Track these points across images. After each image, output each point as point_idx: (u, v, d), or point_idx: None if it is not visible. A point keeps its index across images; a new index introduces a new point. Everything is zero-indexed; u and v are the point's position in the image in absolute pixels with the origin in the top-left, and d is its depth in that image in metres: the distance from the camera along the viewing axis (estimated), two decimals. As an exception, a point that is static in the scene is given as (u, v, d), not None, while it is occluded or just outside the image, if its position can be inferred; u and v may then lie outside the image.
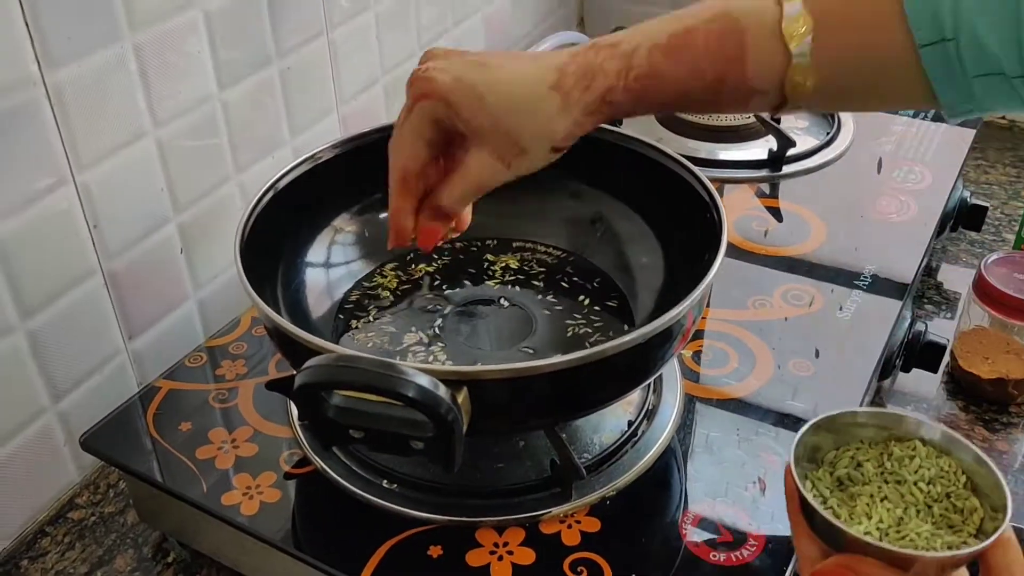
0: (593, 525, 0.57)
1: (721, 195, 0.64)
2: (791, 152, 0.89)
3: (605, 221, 0.70)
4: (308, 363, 0.46)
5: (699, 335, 0.71)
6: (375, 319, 0.66)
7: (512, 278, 0.70)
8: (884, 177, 0.89)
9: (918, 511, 0.46)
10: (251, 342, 0.72)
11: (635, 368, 0.54)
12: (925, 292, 0.89)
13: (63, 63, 0.61)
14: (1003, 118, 1.15)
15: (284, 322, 0.52)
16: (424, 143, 0.52)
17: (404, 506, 0.58)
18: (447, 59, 0.52)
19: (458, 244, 0.73)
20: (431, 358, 0.63)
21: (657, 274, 0.65)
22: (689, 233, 0.62)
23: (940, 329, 0.77)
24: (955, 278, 0.91)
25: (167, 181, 0.72)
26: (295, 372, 0.55)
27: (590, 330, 0.65)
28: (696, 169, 0.63)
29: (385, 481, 0.59)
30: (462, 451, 0.48)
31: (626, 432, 0.62)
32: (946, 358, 0.77)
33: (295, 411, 0.64)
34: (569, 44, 1.24)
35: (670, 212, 0.65)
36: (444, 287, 0.69)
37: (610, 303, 0.67)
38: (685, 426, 0.64)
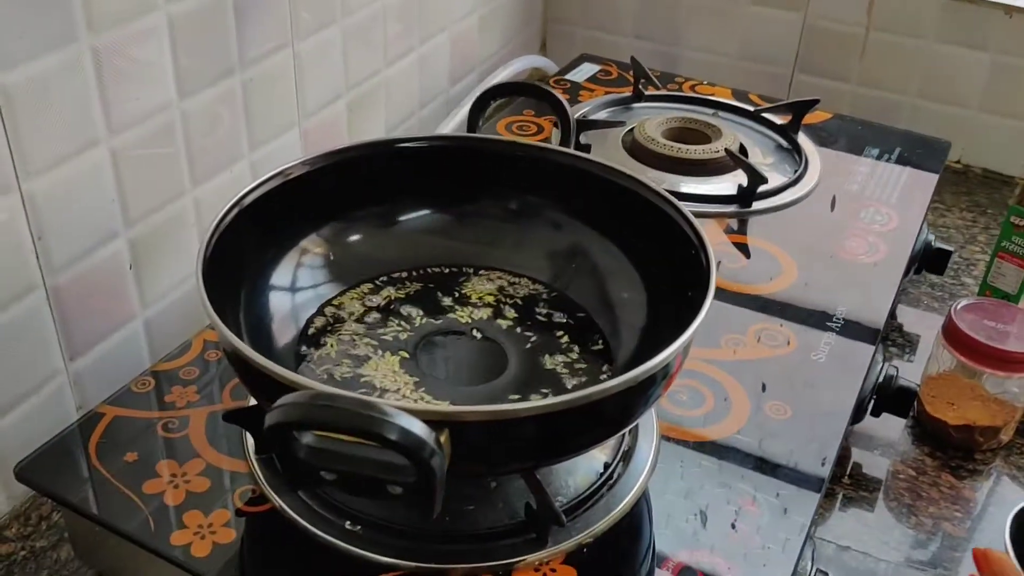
0: (568, 574, 0.54)
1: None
2: (760, 189, 0.88)
3: (585, 254, 0.67)
4: (281, 400, 0.43)
5: (674, 374, 0.69)
6: (341, 347, 0.63)
7: (487, 308, 0.67)
8: (852, 217, 0.89)
9: None
10: (203, 367, 0.67)
11: (622, 412, 0.52)
12: (888, 334, 0.89)
13: (14, 64, 0.57)
14: (958, 162, 1.17)
15: (251, 353, 0.49)
16: None
17: (368, 550, 0.54)
18: None
19: (431, 270, 0.70)
20: (403, 392, 0.60)
21: (638, 311, 0.63)
22: (672, 270, 0.61)
23: (903, 372, 0.76)
24: (917, 321, 0.91)
25: (119, 193, 0.67)
26: (255, 402, 0.51)
27: (566, 369, 0.62)
28: (681, 205, 0.61)
29: (348, 522, 0.56)
30: (443, 497, 0.45)
31: (602, 475, 0.60)
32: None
33: (251, 443, 0.60)
34: (532, 68, 1.23)
35: (653, 248, 0.63)
36: (415, 315, 0.66)
37: (588, 339, 0.65)
38: (661, 470, 0.61)
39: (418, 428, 0.43)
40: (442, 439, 0.45)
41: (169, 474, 0.59)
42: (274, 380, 0.47)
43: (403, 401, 0.58)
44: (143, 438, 0.62)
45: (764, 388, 0.68)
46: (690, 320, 0.53)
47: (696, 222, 0.60)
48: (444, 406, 0.57)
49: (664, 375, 0.52)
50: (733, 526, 0.57)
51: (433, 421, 0.45)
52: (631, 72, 1.07)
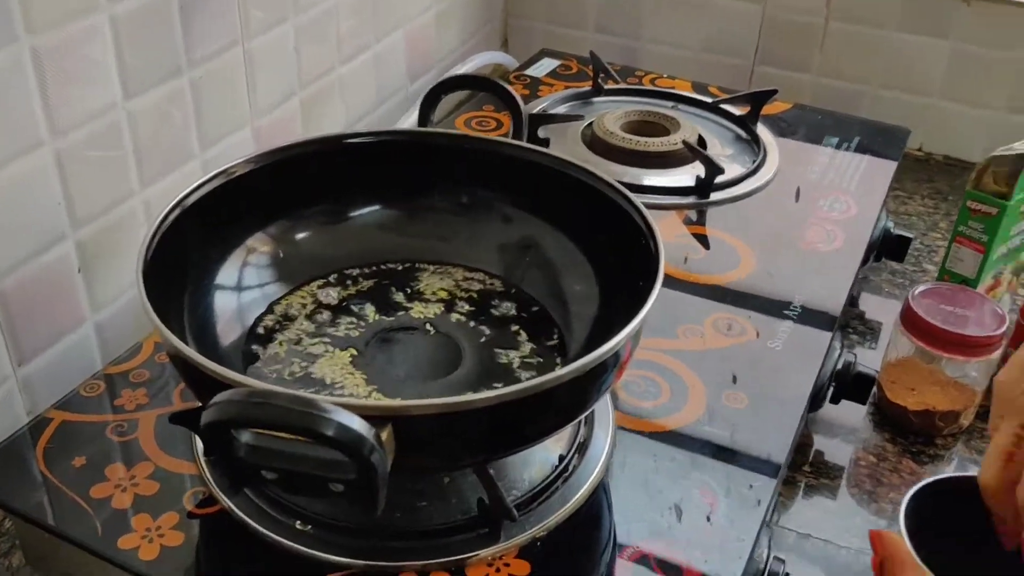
0: (523, 568, 0.54)
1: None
2: (718, 179, 0.88)
3: (538, 247, 0.67)
4: (217, 398, 0.42)
5: (631, 364, 0.68)
6: (290, 346, 0.62)
7: (439, 304, 0.66)
8: (810, 206, 0.89)
9: None
10: (154, 369, 0.67)
11: (572, 402, 0.52)
12: (849, 322, 0.89)
13: (-51, 64, 0.56)
14: (919, 149, 1.17)
15: (190, 351, 0.48)
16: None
17: (319, 549, 0.54)
18: None
19: (383, 267, 0.69)
20: (351, 390, 0.59)
21: (591, 303, 0.63)
22: (624, 261, 0.60)
23: (865, 359, 0.76)
24: (877, 308, 0.91)
25: (65, 194, 0.66)
26: (200, 404, 0.50)
27: (521, 361, 0.62)
28: (632, 196, 0.61)
29: (298, 522, 0.55)
30: (386, 493, 0.44)
31: (557, 467, 0.59)
32: (873, 389, 0.76)
33: (201, 445, 0.59)
34: (494, 64, 1.22)
35: (605, 239, 0.63)
36: (366, 312, 0.65)
37: (542, 332, 0.64)
38: (617, 460, 0.61)
39: (356, 424, 0.42)
40: (383, 435, 0.44)
41: (117, 478, 0.58)
42: (213, 379, 0.47)
43: (351, 400, 0.58)
44: (92, 442, 0.61)
45: (711, 376, 0.68)
46: (639, 308, 0.52)
47: (645, 211, 0.60)
48: (386, 401, 0.56)
49: (614, 363, 0.52)
50: (686, 516, 0.57)
51: (374, 417, 0.44)
52: (591, 67, 1.06)
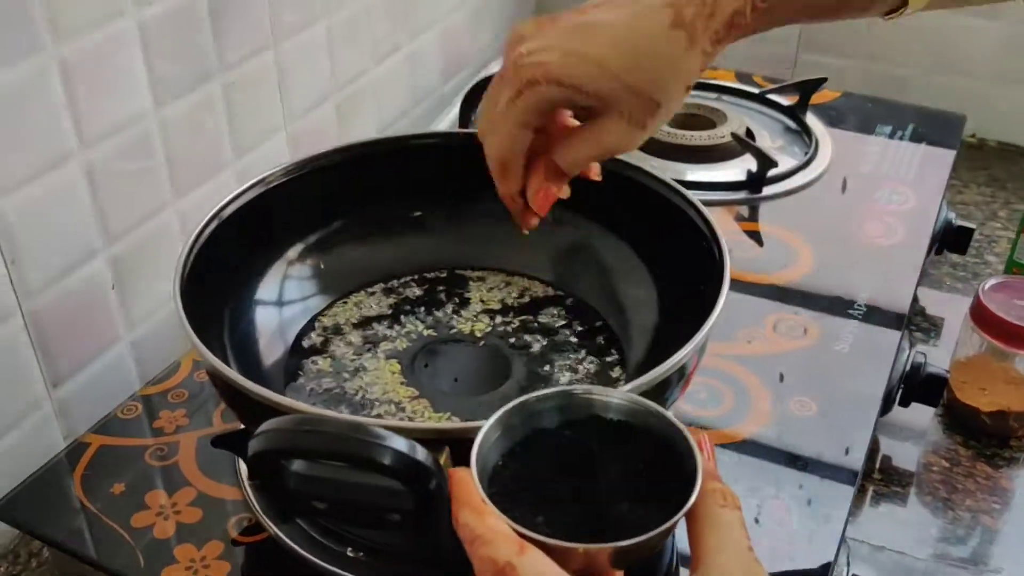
0: (587, 593, 0.51)
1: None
2: (770, 173, 0.85)
3: (590, 250, 0.64)
4: (265, 426, 0.39)
5: (689, 372, 0.65)
6: (334, 361, 0.59)
7: (488, 313, 0.63)
8: (867, 199, 0.85)
9: None
10: (192, 388, 0.64)
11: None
12: (911, 319, 0.85)
13: (-27, 76, 0.54)
14: (972, 136, 1.12)
15: (232, 373, 0.45)
16: (529, 130, 0.47)
17: (372, 579, 0.51)
18: (542, 34, 0.46)
19: (428, 275, 0.66)
20: (401, 409, 0.56)
21: (649, 310, 0.59)
22: (683, 264, 0.57)
23: (931, 358, 0.72)
24: (940, 303, 0.87)
25: (96, 209, 0.64)
26: (243, 426, 0.48)
27: (576, 374, 0.58)
28: (689, 194, 0.58)
29: (350, 549, 0.52)
30: (448, 523, 0.41)
31: (619, 485, 0.56)
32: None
33: (244, 468, 0.56)
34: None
35: (661, 242, 0.60)
36: (412, 323, 0.62)
37: (597, 342, 0.61)
38: (682, 476, 0.58)
39: (414, 450, 0.39)
40: (442, 459, 0.41)
41: (158, 505, 0.56)
42: (258, 402, 0.44)
43: (401, 416, 0.55)
44: (131, 467, 0.58)
45: (782, 379, 0.64)
46: (705, 316, 0.49)
47: (706, 211, 0.56)
48: (442, 423, 0.53)
49: (680, 376, 0.49)
50: (760, 532, 0.54)
51: (431, 440, 0.41)
52: (630, 59, 1.03)
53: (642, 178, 0.60)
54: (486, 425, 0.39)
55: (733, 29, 0.44)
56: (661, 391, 0.48)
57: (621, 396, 0.40)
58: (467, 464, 0.42)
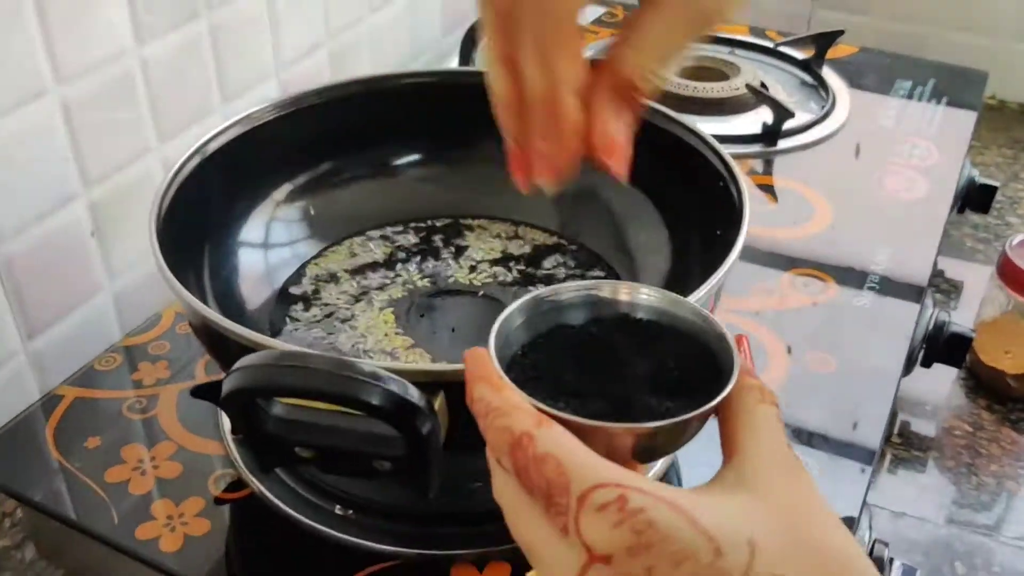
0: (592, 555, 0.47)
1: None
2: (785, 126, 0.81)
3: (597, 195, 0.60)
4: (241, 362, 0.36)
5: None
6: (325, 309, 0.56)
7: (490, 262, 0.59)
8: (887, 153, 0.81)
9: None
10: (175, 341, 0.60)
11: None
12: (931, 280, 0.81)
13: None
14: (992, 97, 1.08)
15: (208, 311, 0.42)
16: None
17: (362, 537, 0.47)
18: None
19: (426, 223, 0.62)
20: (396, 358, 0.52)
21: (660, 255, 0.56)
22: (697, 207, 0.53)
23: (955, 320, 0.68)
24: (961, 265, 0.84)
25: (74, 149, 0.60)
26: (226, 375, 0.44)
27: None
28: (705, 132, 0.54)
29: (338, 506, 0.49)
30: (440, 471, 0.38)
31: (626, 442, 0.52)
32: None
33: (227, 422, 0.53)
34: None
35: (674, 184, 0.56)
36: (408, 273, 0.59)
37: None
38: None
39: (406, 391, 0.36)
40: (436, 404, 0.38)
41: (136, 460, 0.52)
42: (238, 343, 0.40)
43: (397, 363, 0.51)
44: (108, 421, 0.55)
45: (792, 340, 0.60)
46: (720, 261, 0.45)
47: (723, 151, 0.52)
48: (438, 364, 0.49)
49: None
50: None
51: (425, 383, 0.38)
52: (638, 13, 0.99)
53: (651, 117, 0.56)
54: (509, 308, 0.35)
55: None
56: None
57: (654, 292, 0.37)
58: (467, 410, 0.38)
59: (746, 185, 0.50)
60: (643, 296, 0.37)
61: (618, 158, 0.37)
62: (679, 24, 0.34)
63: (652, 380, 0.34)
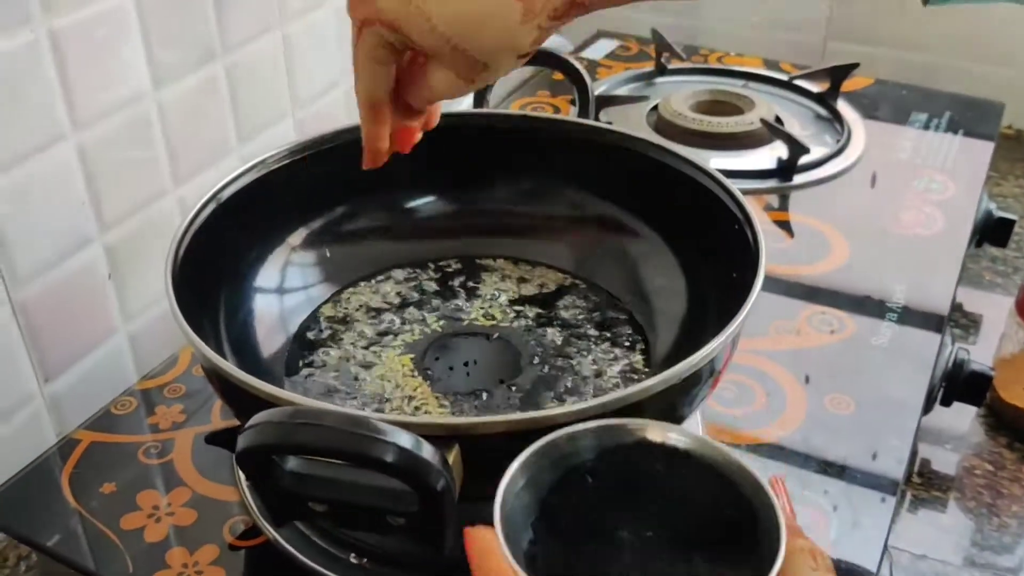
0: (608, 602, 0.47)
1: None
2: (800, 161, 0.80)
3: (612, 237, 0.60)
4: (256, 419, 0.36)
5: (718, 368, 0.61)
6: (340, 354, 0.56)
7: (505, 304, 0.59)
8: (904, 188, 0.80)
9: None
10: (191, 383, 0.60)
11: (661, 415, 0.44)
12: (950, 315, 0.80)
13: (-45, 49, 0.50)
14: (1009, 127, 1.08)
15: (224, 363, 0.42)
16: (383, 66, 0.46)
17: (377, 586, 0.47)
18: None
19: (440, 264, 0.62)
20: (408, 404, 0.52)
21: (677, 299, 0.55)
22: (714, 251, 0.53)
23: (974, 356, 0.68)
24: (980, 299, 0.83)
25: (90, 193, 0.60)
26: (240, 423, 0.44)
27: (599, 367, 0.55)
28: (719, 175, 0.54)
29: (353, 555, 0.48)
30: (455, 528, 0.38)
31: (642, 488, 0.52)
32: (987, 389, 0.68)
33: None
34: (549, 48, 1.15)
35: (690, 227, 0.56)
36: (424, 315, 0.59)
37: (621, 334, 0.57)
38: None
39: (419, 447, 0.36)
40: (450, 458, 0.38)
41: (151, 507, 0.52)
42: (252, 395, 0.40)
43: (410, 411, 0.51)
44: (123, 466, 0.55)
45: (810, 379, 0.60)
46: (738, 307, 0.45)
47: (739, 194, 0.52)
48: (451, 418, 0.49)
49: (711, 371, 0.45)
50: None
51: (438, 436, 0.37)
52: (652, 46, 0.99)
53: (667, 159, 0.56)
54: (508, 473, 0.34)
55: (573, 8, 0.42)
56: (690, 386, 0.44)
57: (671, 431, 0.35)
58: (482, 463, 0.38)
59: (761, 229, 0.50)
60: (662, 434, 0.35)
61: (404, 146, 0.51)
62: (425, 93, 0.45)
63: (685, 545, 0.32)
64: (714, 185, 0.54)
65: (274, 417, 0.36)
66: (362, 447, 0.35)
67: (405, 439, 0.35)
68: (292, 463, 0.38)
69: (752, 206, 0.52)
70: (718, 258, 0.52)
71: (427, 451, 0.36)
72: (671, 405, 0.44)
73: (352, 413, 0.36)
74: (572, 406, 0.39)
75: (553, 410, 0.39)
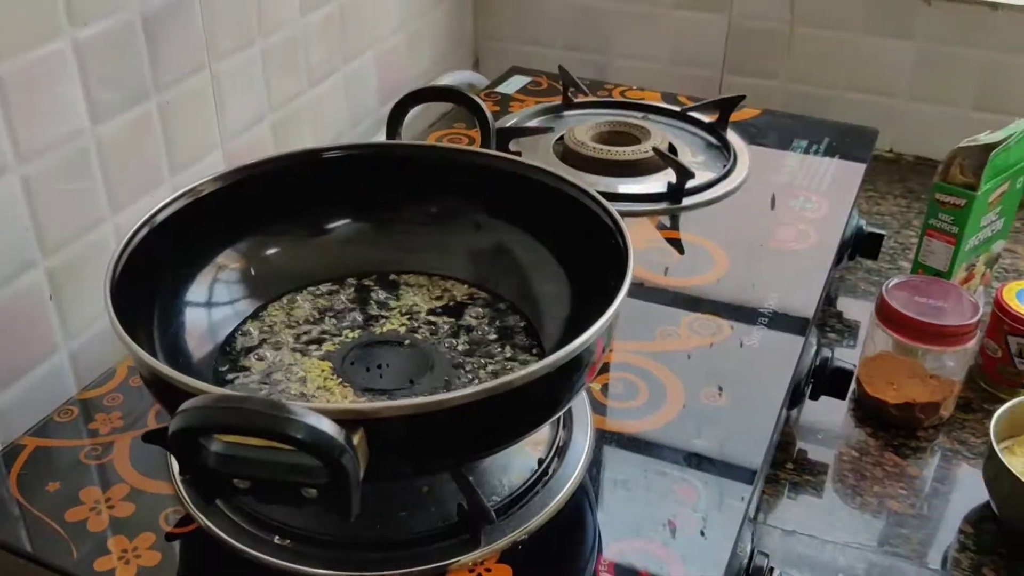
0: (504, 572, 0.53)
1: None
2: (690, 185, 0.89)
3: (509, 252, 0.67)
4: (184, 405, 0.42)
5: (608, 368, 0.68)
6: (264, 361, 0.62)
7: (413, 315, 0.66)
8: (782, 207, 0.89)
9: None
10: (128, 393, 0.66)
11: (545, 400, 0.51)
12: (827, 321, 0.89)
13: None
14: (890, 151, 1.18)
15: (157, 363, 0.48)
16: None
17: (299, 563, 0.53)
18: None
19: (356, 280, 0.69)
20: (330, 398, 0.59)
21: (563, 303, 0.63)
22: (595, 261, 0.60)
23: (845, 357, 0.76)
24: (855, 307, 0.91)
25: (33, 221, 0.66)
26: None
27: (497, 366, 0.61)
28: (597, 195, 0.61)
29: (277, 537, 0.55)
30: (359, 498, 0.44)
31: (536, 471, 0.59)
32: (852, 385, 0.76)
33: (176, 465, 0.59)
34: (466, 84, 1.23)
35: (574, 241, 0.63)
36: (340, 326, 0.65)
37: (517, 336, 0.64)
38: (597, 462, 0.61)
39: (326, 426, 0.42)
40: (355, 439, 0.44)
41: (93, 501, 0.58)
42: (183, 390, 0.46)
43: (321, 404, 0.57)
44: (66, 467, 0.60)
45: (689, 377, 0.67)
46: (611, 304, 0.52)
47: (612, 209, 0.60)
48: (357, 404, 0.56)
49: (588, 358, 0.52)
50: (668, 514, 0.57)
51: (345, 420, 0.44)
52: (561, 82, 1.07)
53: (554, 183, 0.64)
54: None
55: None
56: (570, 371, 0.51)
57: None
58: (386, 445, 0.44)
59: (631, 240, 0.57)
60: None
61: None
62: None
63: None
64: (592, 204, 0.61)
65: (201, 402, 0.42)
66: (277, 426, 0.41)
67: (314, 419, 0.42)
68: (217, 446, 0.44)
69: (641, 230, 0.60)
70: (599, 268, 0.59)
71: (333, 429, 0.42)
72: (551, 389, 0.51)
73: (270, 399, 0.42)
74: (461, 390, 0.46)
75: (444, 395, 0.46)
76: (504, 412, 0.49)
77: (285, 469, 0.44)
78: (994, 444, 0.66)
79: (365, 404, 0.46)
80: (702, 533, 0.56)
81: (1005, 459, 0.65)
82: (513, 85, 1.12)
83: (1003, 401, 0.71)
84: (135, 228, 0.58)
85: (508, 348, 0.63)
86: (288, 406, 0.42)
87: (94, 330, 0.73)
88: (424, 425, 0.47)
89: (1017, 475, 0.64)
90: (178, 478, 0.58)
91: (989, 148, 0.79)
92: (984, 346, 0.80)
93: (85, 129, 0.69)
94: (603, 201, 0.61)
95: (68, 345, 0.71)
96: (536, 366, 0.48)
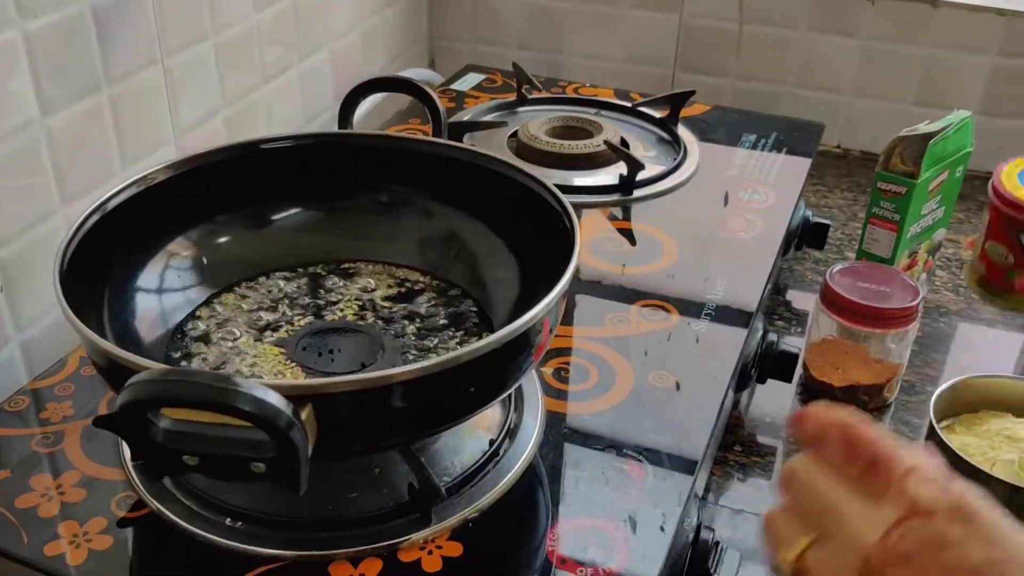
0: (455, 550, 0.54)
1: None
2: (641, 177, 0.90)
3: (459, 239, 0.68)
4: (132, 379, 0.42)
5: (560, 353, 0.69)
6: (217, 348, 0.62)
7: (365, 301, 0.67)
8: (731, 199, 0.91)
9: None
10: (79, 383, 0.66)
11: (492, 377, 0.52)
12: (775, 310, 0.91)
13: None
14: (837, 146, 1.21)
15: (107, 344, 0.48)
16: None
17: (250, 544, 0.54)
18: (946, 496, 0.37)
19: (307, 268, 0.70)
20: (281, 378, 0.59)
21: (513, 288, 0.64)
22: (543, 245, 0.61)
23: (793, 344, 0.78)
24: (802, 296, 0.94)
25: (-18, 213, 0.66)
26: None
27: (447, 348, 0.62)
28: (547, 181, 0.63)
29: (228, 519, 0.55)
30: (308, 473, 0.45)
31: (487, 452, 0.60)
32: (799, 370, 0.78)
33: (128, 451, 0.59)
34: (423, 80, 1.23)
35: (523, 226, 0.64)
36: (292, 313, 0.66)
37: (468, 319, 0.65)
38: (548, 443, 0.62)
39: (274, 398, 0.43)
40: (304, 414, 0.45)
41: (43, 488, 0.58)
42: (131, 370, 0.47)
43: (269, 380, 0.58)
44: (17, 455, 0.60)
45: (637, 361, 0.69)
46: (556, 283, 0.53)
47: (559, 193, 0.61)
48: (307, 380, 0.56)
49: (535, 335, 0.53)
50: (616, 492, 0.58)
51: (294, 396, 0.44)
52: (515, 79, 1.08)
53: (503, 169, 0.65)
54: None
55: None
56: (518, 348, 0.52)
57: None
58: (334, 421, 0.45)
59: (578, 225, 0.58)
60: None
61: None
62: None
63: None
64: (541, 189, 0.62)
65: (149, 376, 0.42)
66: (225, 398, 0.42)
67: (262, 392, 0.42)
68: (165, 422, 0.44)
69: (593, 221, 0.61)
70: (547, 251, 0.60)
71: (280, 402, 0.43)
72: (498, 367, 0.52)
73: (218, 373, 0.43)
74: (409, 365, 0.47)
75: (392, 370, 0.47)
76: (451, 389, 0.50)
77: (233, 444, 0.44)
78: (934, 423, 0.68)
79: (313, 380, 0.47)
80: (651, 510, 0.57)
81: (945, 437, 0.67)
82: (468, 82, 1.13)
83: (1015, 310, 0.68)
84: (86, 214, 0.58)
85: (460, 332, 0.64)
86: (236, 379, 0.42)
87: (46, 322, 0.73)
88: (372, 402, 0.48)
89: (955, 451, 0.66)
90: (130, 464, 0.58)
91: (928, 137, 0.81)
92: (986, 253, 0.74)
93: (35, 120, 0.69)
94: (550, 185, 0.62)
95: (19, 337, 0.71)
96: (482, 342, 0.49)
